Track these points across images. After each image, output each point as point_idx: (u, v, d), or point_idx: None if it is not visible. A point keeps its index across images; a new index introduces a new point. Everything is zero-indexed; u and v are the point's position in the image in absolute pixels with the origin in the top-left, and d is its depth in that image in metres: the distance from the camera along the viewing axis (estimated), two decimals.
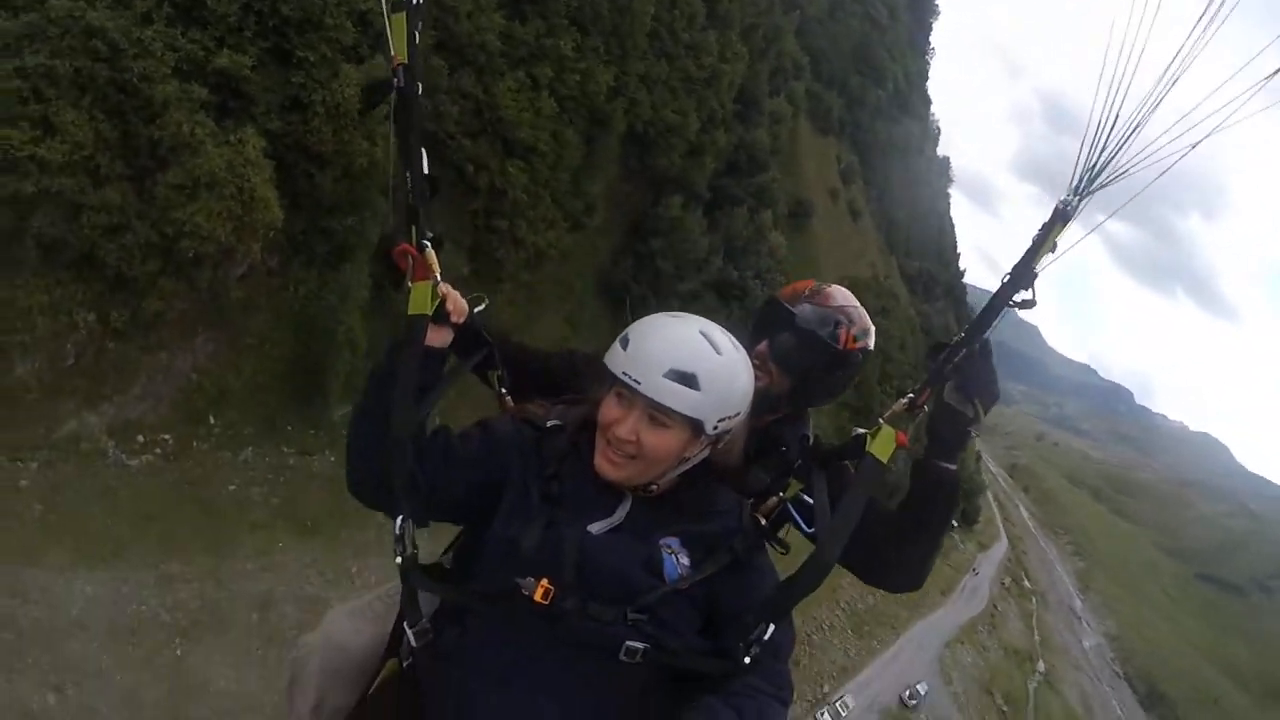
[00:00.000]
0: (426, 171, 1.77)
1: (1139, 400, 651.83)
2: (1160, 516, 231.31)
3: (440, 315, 1.74)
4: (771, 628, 1.68)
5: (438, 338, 1.76)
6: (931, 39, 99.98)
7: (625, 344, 1.63)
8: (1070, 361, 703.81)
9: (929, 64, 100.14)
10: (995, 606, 61.74)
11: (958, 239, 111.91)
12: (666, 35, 29.17)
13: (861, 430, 1.86)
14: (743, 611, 1.69)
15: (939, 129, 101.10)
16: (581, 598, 1.58)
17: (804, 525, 1.91)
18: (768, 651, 1.68)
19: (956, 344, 1.79)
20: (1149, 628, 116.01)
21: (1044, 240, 1.71)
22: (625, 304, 31.10)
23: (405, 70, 1.72)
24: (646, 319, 1.69)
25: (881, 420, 1.83)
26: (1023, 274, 1.74)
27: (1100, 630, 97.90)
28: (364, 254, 17.98)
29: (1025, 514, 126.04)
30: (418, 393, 1.66)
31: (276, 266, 17.22)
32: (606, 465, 1.68)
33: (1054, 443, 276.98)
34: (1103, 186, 1.66)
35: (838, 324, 2.22)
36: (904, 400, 1.87)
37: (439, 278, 1.74)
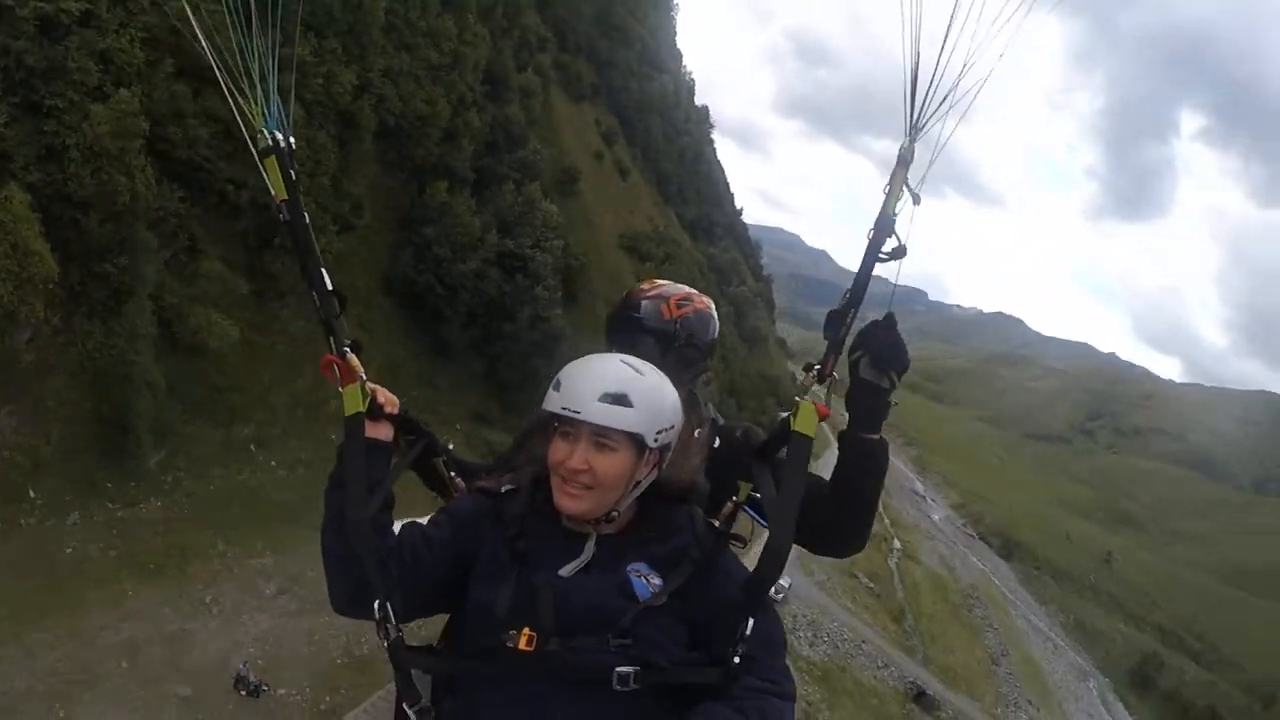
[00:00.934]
0: (330, 288, 1.96)
1: (933, 297, 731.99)
2: (976, 394, 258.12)
3: (374, 410, 1.92)
4: (753, 622, 1.76)
5: (378, 432, 1.94)
6: None
7: (557, 386, 1.81)
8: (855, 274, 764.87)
9: (675, 20, 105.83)
10: None
11: (730, 181, 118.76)
12: (403, 27, 30.87)
13: (784, 413, 1.96)
14: (720, 612, 1.78)
15: (693, 80, 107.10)
16: (564, 637, 1.69)
17: (763, 521, 2.03)
18: (759, 647, 1.76)
19: (845, 307, 1.93)
20: (990, 490, 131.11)
21: (894, 188, 1.87)
22: (418, 300, 32.81)
23: (288, 205, 1.93)
24: (570, 364, 1.86)
25: (798, 398, 1.90)
26: (884, 224, 1.89)
27: (946, 504, 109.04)
28: (142, 292, 18.75)
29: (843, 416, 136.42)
30: (369, 486, 1.83)
31: (60, 323, 17.85)
32: (567, 501, 1.80)
33: None
34: (928, 125, 1.86)
35: (661, 301, 2.57)
36: (812, 373, 1.95)
37: (365, 377, 1.92)
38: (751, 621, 1.77)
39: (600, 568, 1.83)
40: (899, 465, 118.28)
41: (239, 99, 1.92)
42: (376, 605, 1.76)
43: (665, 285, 2.67)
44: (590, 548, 1.85)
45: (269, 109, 1.95)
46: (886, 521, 72.67)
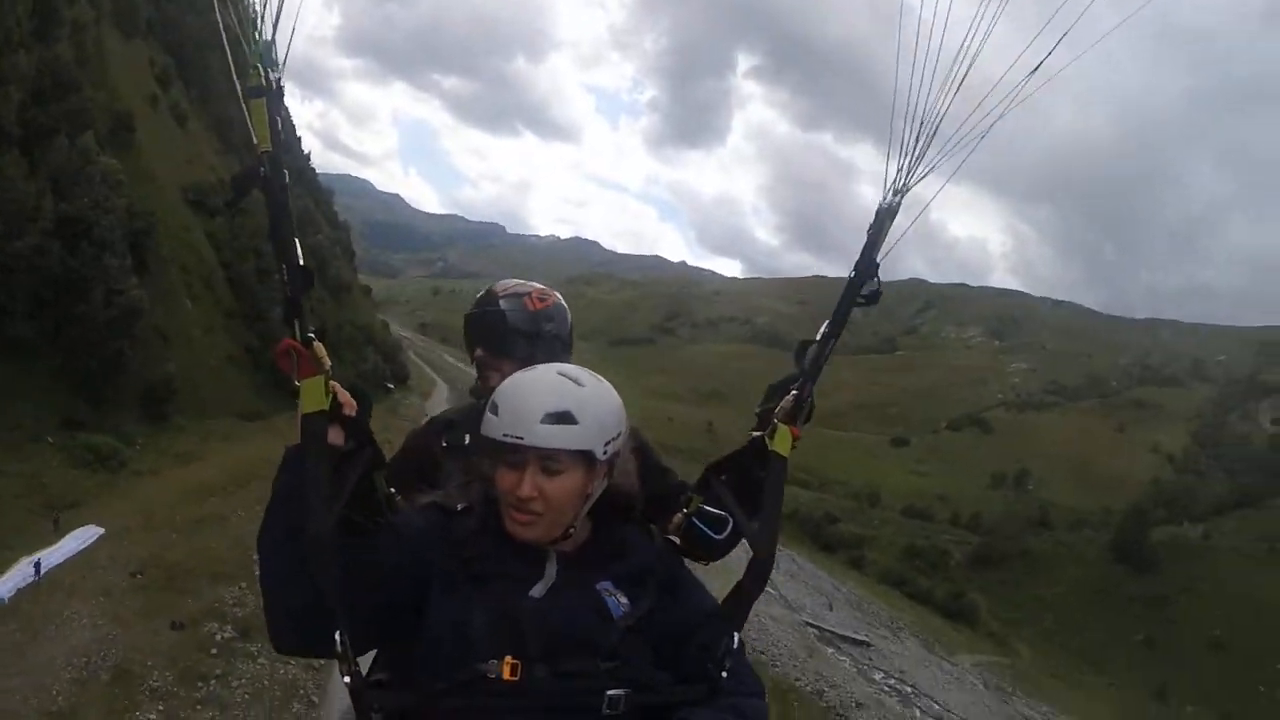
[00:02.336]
0: (302, 263, 1.78)
1: (511, 230, 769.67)
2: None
3: (334, 411, 1.76)
4: (737, 636, 1.84)
5: (334, 437, 1.76)
6: None
7: (494, 409, 1.79)
8: (439, 217, 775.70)
9: None
10: None
11: (295, 125, 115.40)
12: None
13: (758, 433, 2.12)
14: (692, 629, 1.84)
15: (256, 12, 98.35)
16: (550, 663, 1.67)
17: (712, 534, 2.13)
18: (735, 658, 1.83)
19: (824, 339, 2.11)
20: None
21: (878, 238, 2.01)
22: None
23: (269, 158, 1.73)
24: (504, 382, 1.85)
25: (776, 420, 2.07)
26: (866, 270, 2.04)
27: None
28: None
29: (450, 359, 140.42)
30: (330, 498, 1.67)
31: None
32: (520, 528, 1.80)
33: (451, 291, 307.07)
34: (920, 179, 1.98)
35: (522, 297, 2.77)
36: (790, 397, 2.09)
37: (330, 369, 1.77)
38: (738, 637, 1.86)
39: (569, 587, 1.82)
40: None
41: (234, 23, 1.75)
42: (337, 637, 1.66)
43: (516, 283, 2.87)
44: (553, 567, 1.84)
45: (267, 41, 1.76)
46: None
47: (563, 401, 1.76)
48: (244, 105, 1.75)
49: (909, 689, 43.05)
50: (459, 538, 1.84)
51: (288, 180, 1.76)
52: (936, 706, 41.73)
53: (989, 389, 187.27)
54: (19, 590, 17.82)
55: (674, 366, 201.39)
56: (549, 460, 1.76)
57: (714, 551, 2.22)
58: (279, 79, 1.74)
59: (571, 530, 1.86)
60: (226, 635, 21.57)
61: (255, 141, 1.74)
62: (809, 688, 38.12)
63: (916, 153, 1.97)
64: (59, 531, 20.13)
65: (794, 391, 2.11)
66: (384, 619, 1.78)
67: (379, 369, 77.43)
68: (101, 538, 19.31)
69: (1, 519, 23.07)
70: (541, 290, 2.85)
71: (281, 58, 1.75)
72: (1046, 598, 73.83)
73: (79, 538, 17.69)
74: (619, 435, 1.86)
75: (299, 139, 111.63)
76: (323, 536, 1.63)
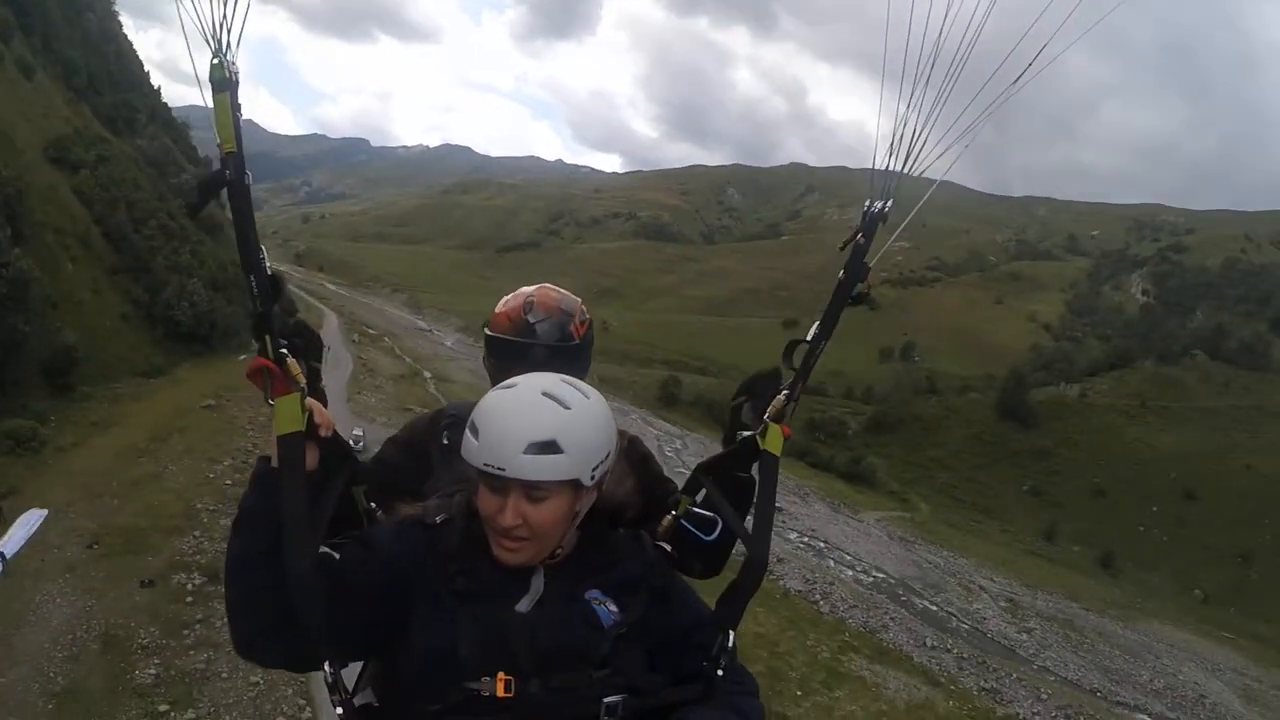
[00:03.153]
0: (270, 271, 1.71)
1: (376, 144, 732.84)
2: (442, 225, 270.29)
3: (310, 431, 1.73)
4: (732, 635, 1.84)
5: (310, 457, 1.74)
6: None
7: (475, 433, 1.70)
8: (299, 138, 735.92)
9: None
10: (362, 358, 71.24)
11: (142, 61, 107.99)
12: None
13: (748, 432, 2.07)
14: (687, 632, 1.85)
15: None
16: (542, 677, 1.67)
17: (702, 536, 2.09)
18: (730, 657, 1.84)
19: (814, 339, 2.12)
20: (486, 306, 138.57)
21: (869, 243, 2.09)
22: None
23: (235, 160, 1.66)
24: (485, 401, 1.76)
25: (767, 419, 2.04)
26: (856, 272, 2.10)
27: (453, 329, 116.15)
28: None
29: (333, 287, 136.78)
30: (311, 529, 1.65)
31: None
32: (506, 554, 1.75)
33: (321, 216, 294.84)
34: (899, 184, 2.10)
35: (556, 318, 2.54)
36: (781, 396, 2.06)
37: (304, 386, 1.73)
38: (733, 635, 1.86)
39: (556, 600, 1.80)
40: (396, 312, 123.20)
41: (193, 12, 1.64)
42: (326, 669, 1.69)
43: (537, 295, 2.63)
44: (539, 580, 1.82)
45: (225, 29, 1.66)
46: (409, 360, 77.21)
47: (547, 429, 1.68)
48: (209, 100, 1.65)
49: (821, 544, 46.33)
50: (441, 553, 1.80)
51: (251, 182, 1.68)
52: (848, 557, 45.07)
53: (873, 268, 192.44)
54: None
55: (563, 268, 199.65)
56: (532, 489, 1.70)
57: (704, 556, 2.18)
58: (236, 71, 1.65)
59: (560, 549, 1.82)
60: (196, 582, 21.77)
61: (219, 143, 1.64)
62: (734, 550, 40.61)
63: (904, 159, 2.06)
64: (3, 521, 19.41)
65: (784, 391, 2.09)
66: (366, 638, 1.75)
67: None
68: (47, 518, 18.96)
69: None
70: (566, 300, 2.63)
71: (235, 44, 1.64)
72: (939, 457, 78.32)
73: (26, 524, 16.99)
74: (608, 455, 1.79)
75: (147, 73, 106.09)
76: (305, 574, 1.59)
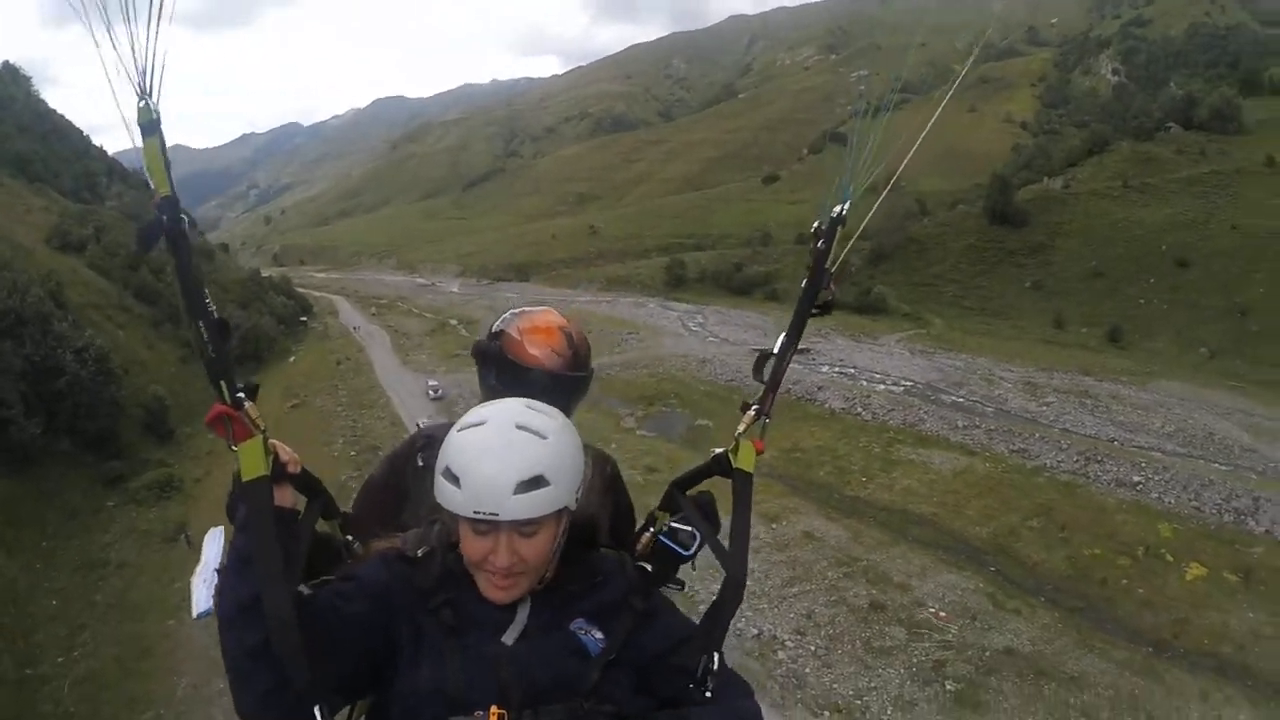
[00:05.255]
0: (216, 314, 1.73)
1: (308, 123, 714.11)
2: (401, 181, 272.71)
3: (277, 472, 1.77)
4: (717, 656, 1.86)
5: (281, 498, 1.78)
6: None
7: (455, 480, 1.69)
8: (228, 145, 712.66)
9: None
10: (390, 325, 77.98)
11: (79, 128, 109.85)
12: None
13: (720, 449, 2.14)
14: (670, 652, 1.87)
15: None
16: (534, 710, 1.68)
17: (682, 552, 2.13)
18: (719, 674, 1.87)
19: (782, 350, 2.17)
20: (473, 245, 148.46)
21: (830, 249, 2.11)
22: None
23: (170, 204, 1.67)
24: (456, 444, 1.74)
25: (737, 437, 2.10)
26: (818, 280, 2.12)
27: (453, 275, 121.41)
28: None
29: (323, 275, 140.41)
30: (285, 570, 1.66)
31: None
32: (499, 594, 1.78)
33: (281, 212, 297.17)
34: (862, 187, 2.16)
35: (558, 347, 2.48)
36: (751, 412, 2.13)
37: (265, 429, 1.75)
38: (718, 656, 1.87)
39: (542, 631, 1.83)
40: (393, 278, 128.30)
41: (111, 47, 1.60)
42: (317, 713, 1.65)
43: (526, 317, 2.58)
44: (525, 611, 1.85)
45: (145, 68, 1.63)
46: (429, 315, 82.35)
47: (532, 465, 1.69)
48: (137, 145, 1.69)
49: (852, 369, 52.15)
50: (424, 587, 1.83)
51: (188, 224, 1.71)
52: (877, 375, 50.88)
53: (837, 104, 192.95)
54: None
55: (531, 186, 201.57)
56: (524, 525, 1.72)
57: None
58: (158, 113, 1.68)
59: (545, 574, 1.86)
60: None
61: (153, 187, 1.68)
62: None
63: (862, 168, 2.17)
64: (195, 546, 24.73)
65: (754, 406, 2.14)
66: (353, 680, 1.77)
67: (287, 306, 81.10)
68: (222, 532, 24.00)
69: (140, 571, 27.08)
70: (567, 327, 2.56)
71: (158, 84, 1.66)
72: (941, 272, 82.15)
73: (214, 539, 21.51)
74: (585, 477, 1.85)
75: (87, 137, 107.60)
76: (283, 616, 1.60)
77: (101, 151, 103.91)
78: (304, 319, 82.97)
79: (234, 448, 1.71)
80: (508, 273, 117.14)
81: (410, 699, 1.72)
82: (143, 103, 1.64)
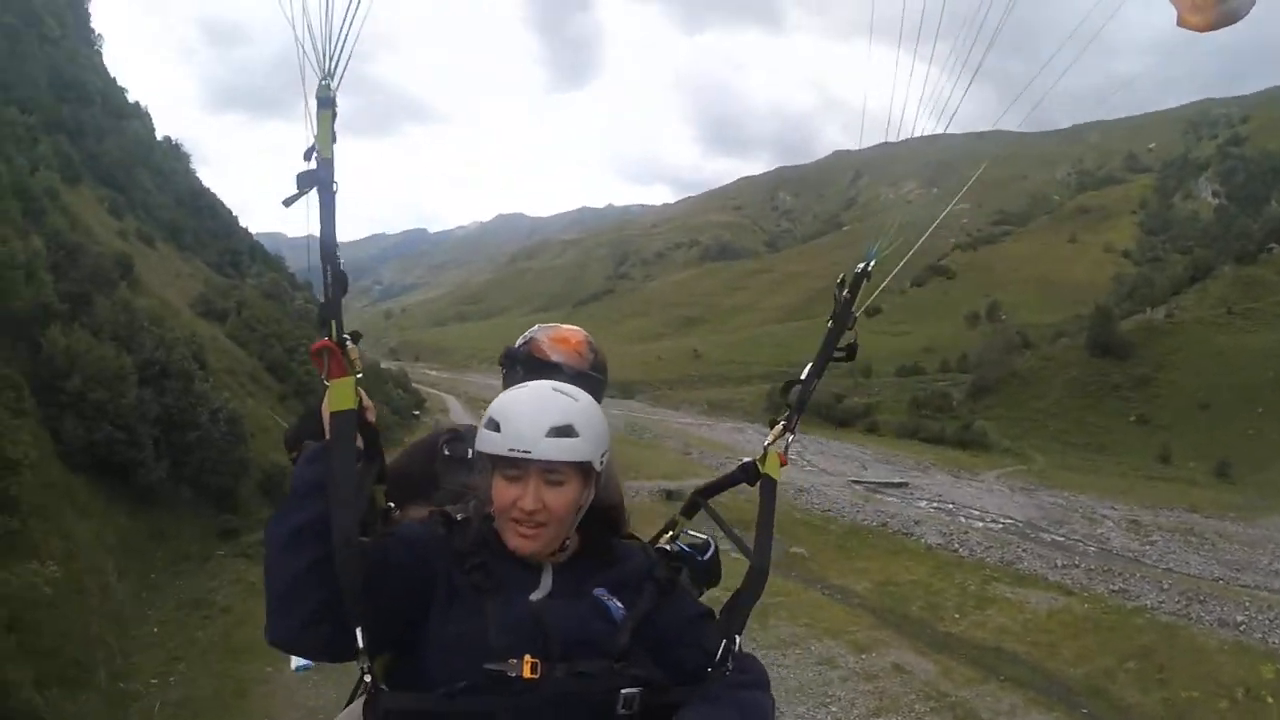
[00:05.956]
0: (341, 268, 1.93)
1: (433, 231, 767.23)
2: (517, 293, 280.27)
3: (360, 413, 1.88)
4: (738, 640, 1.98)
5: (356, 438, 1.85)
6: None
7: (496, 426, 1.87)
8: (360, 242, 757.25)
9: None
10: None
11: (229, 208, 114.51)
12: None
13: (749, 459, 2.30)
14: (687, 628, 1.99)
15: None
16: (568, 663, 1.79)
17: (698, 556, 2.36)
18: (736, 659, 1.97)
19: (807, 378, 2.30)
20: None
21: (854, 298, 2.30)
22: None
23: (327, 165, 1.90)
24: (499, 400, 1.96)
25: (765, 447, 2.25)
26: (844, 320, 2.30)
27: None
28: None
29: (435, 373, 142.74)
30: (356, 497, 1.75)
31: None
32: (523, 542, 1.89)
33: (401, 310, 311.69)
34: (884, 251, 2.33)
35: (572, 347, 2.77)
36: (778, 428, 2.29)
37: (360, 374, 1.88)
38: (738, 640, 1.99)
39: (565, 594, 1.94)
40: (483, 381, 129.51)
41: (306, 37, 1.89)
42: (358, 633, 1.74)
43: (554, 329, 2.89)
44: (549, 576, 1.96)
45: (333, 55, 1.92)
46: None
47: (564, 415, 1.87)
48: (312, 115, 1.91)
49: (950, 505, 51.89)
50: (460, 549, 1.93)
51: (337, 189, 1.91)
52: (975, 512, 50.48)
53: (940, 235, 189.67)
54: None
55: (640, 307, 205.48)
56: (551, 473, 1.86)
57: (699, 574, 2.40)
58: (335, 94, 1.90)
59: (567, 543, 1.98)
60: None
61: (317, 149, 1.90)
62: (873, 523, 46.98)
63: (885, 239, 2.33)
64: None
65: (781, 423, 2.29)
66: (389, 623, 1.82)
67: (404, 399, 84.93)
68: None
69: (244, 619, 26.58)
70: (578, 333, 2.86)
71: (340, 72, 1.88)
72: (1044, 407, 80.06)
73: None
74: (608, 449, 1.99)
75: (235, 218, 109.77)
76: (351, 534, 1.68)
77: (246, 231, 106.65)
78: (417, 413, 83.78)
79: (327, 381, 1.84)
80: (611, 390, 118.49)
81: (448, 645, 1.81)
82: (325, 82, 1.88)
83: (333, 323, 1.88)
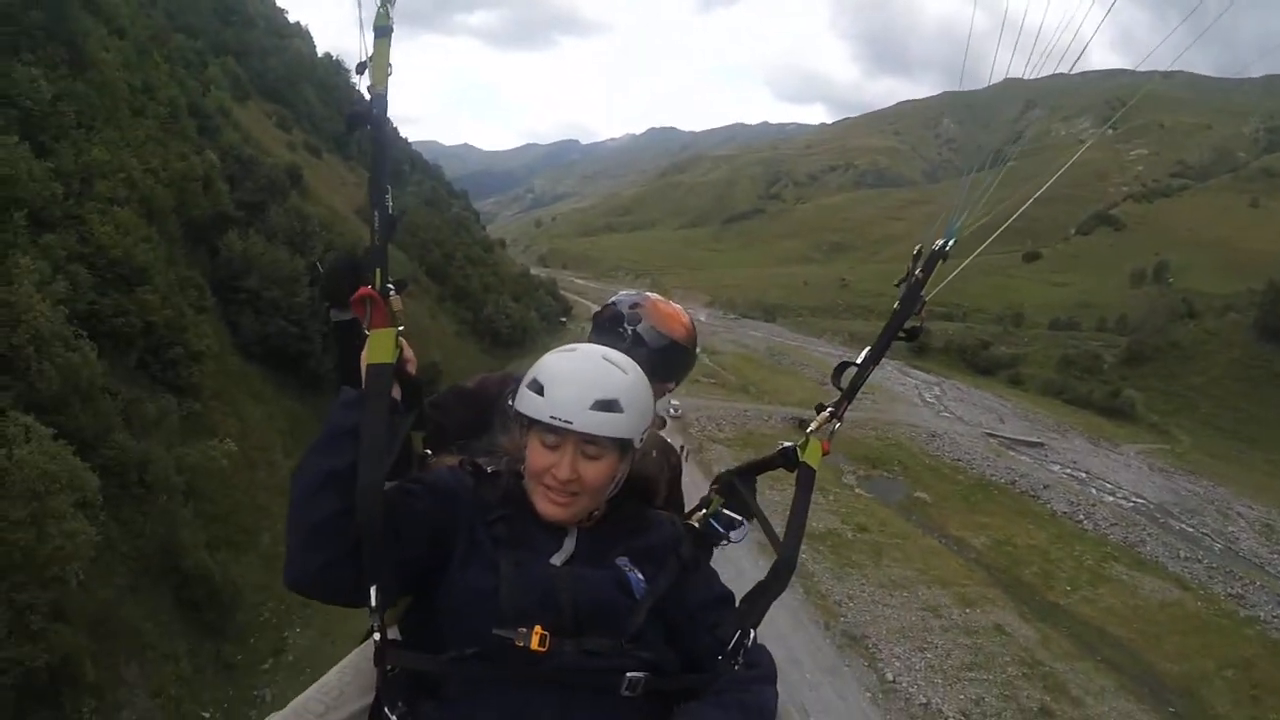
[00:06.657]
0: (391, 210, 1.83)
1: (585, 142, 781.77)
2: (667, 206, 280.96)
3: (397, 367, 1.80)
4: (753, 633, 1.88)
5: (393, 389, 1.80)
6: None
7: (539, 389, 1.81)
8: (513, 151, 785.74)
9: None
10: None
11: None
12: None
13: (789, 444, 2.16)
14: (706, 608, 1.92)
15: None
16: (577, 638, 1.71)
17: (729, 536, 2.20)
18: (749, 652, 1.87)
19: (864, 363, 2.15)
20: (726, 278, 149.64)
21: (927, 278, 2.14)
22: None
23: (380, 100, 1.81)
24: (546, 361, 1.89)
25: (808, 433, 2.12)
26: (910, 303, 2.14)
27: (701, 305, 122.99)
28: None
29: (581, 282, 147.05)
30: (385, 450, 1.70)
31: None
32: (553, 508, 1.85)
33: (552, 219, 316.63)
34: (968, 229, 2.19)
35: (663, 320, 2.78)
36: (824, 414, 2.15)
37: (402, 325, 1.81)
38: (753, 633, 1.90)
39: (587, 561, 1.88)
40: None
41: None
42: (372, 591, 1.68)
43: (673, 306, 2.91)
44: (572, 540, 1.91)
45: None
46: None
47: (611, 389, 1.81)
48: (368, 45, 1.81)
49: (1083, 474, 51.65)
50: (487, 501, 1.89)
51: (393, 125, 1.84)
52: (1108, 485, 50.14)
53: (1112, 183, 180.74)
54: None
55: (789, 230, 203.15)
56: (590, 444, 1.81)
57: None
58: (392, 22, 1.82)
59: (596, 512, 1.94)
60: None
61: (371, 82, 1.80)
62: (1002, 479, 47.49)
63: (972, 207, 2.18)
64: None
65: (829, 409, 2.17)
66: (409, 572, 1.78)
67: (552, 306, 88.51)
68: None
69: None
70: (670, 306, 2.87)
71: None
72: (1200, 385, 75.59)
73: None
74: (650, 424, 1.93)
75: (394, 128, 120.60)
76: (375, 487, 1.63)
77: (405, 141, 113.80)
78: (563, 319, 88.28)
79: (368, 331, 1.77)
80: (755, 310, 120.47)
81: (462, 600, 1.76)
82: (382, 8, 1.82)
83: (377, 270, 1.79)
